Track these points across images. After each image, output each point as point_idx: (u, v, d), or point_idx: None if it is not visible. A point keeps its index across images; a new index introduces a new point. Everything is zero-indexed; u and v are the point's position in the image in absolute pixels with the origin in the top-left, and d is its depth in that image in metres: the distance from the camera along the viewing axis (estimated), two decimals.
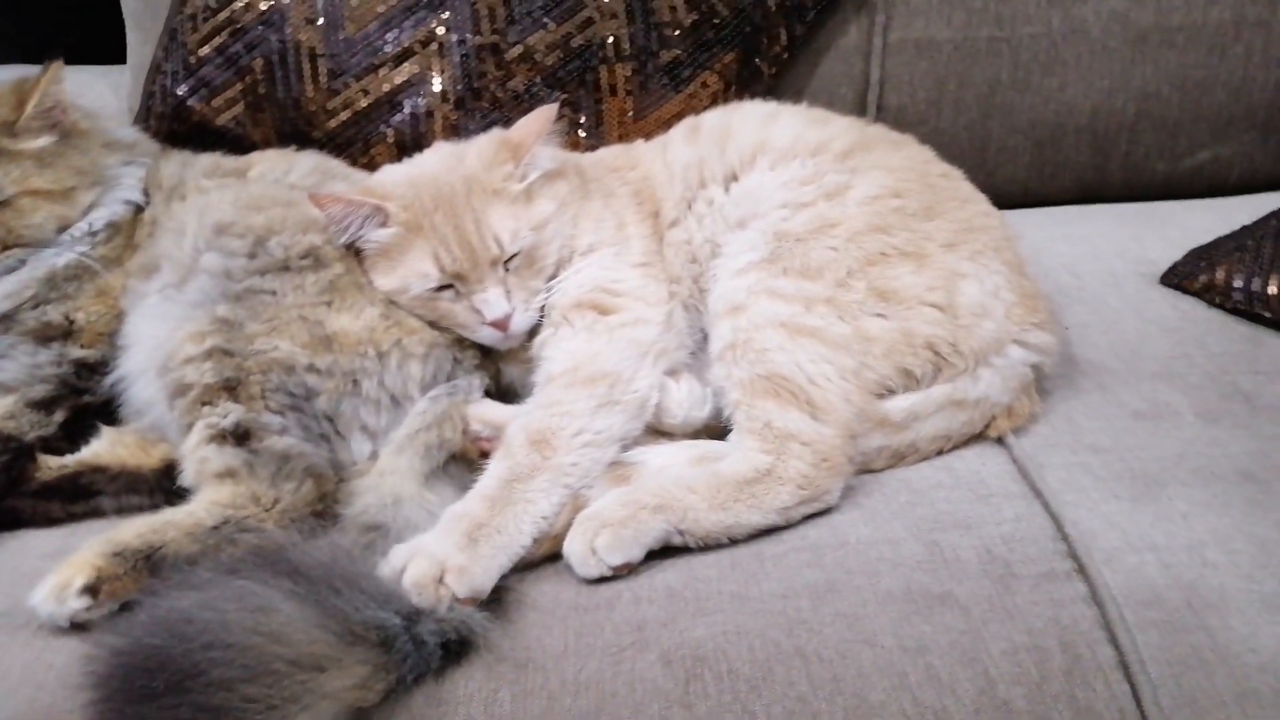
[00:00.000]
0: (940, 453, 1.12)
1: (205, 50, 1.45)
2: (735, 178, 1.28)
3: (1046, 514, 1.01)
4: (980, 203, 1.27)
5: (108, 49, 1.73)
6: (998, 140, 1.63)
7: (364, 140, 1.47)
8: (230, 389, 1.08)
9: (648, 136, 1.44)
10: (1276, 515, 0.98)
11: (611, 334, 1.15)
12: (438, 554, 0.94)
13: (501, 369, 1.26)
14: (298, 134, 1.47)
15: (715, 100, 1.50)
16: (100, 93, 1.67)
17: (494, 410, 1.18)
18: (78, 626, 0.95)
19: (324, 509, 1.06)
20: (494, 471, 1.04)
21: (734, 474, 1.02)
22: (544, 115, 1.22)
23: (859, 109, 1.60)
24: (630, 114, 1.48)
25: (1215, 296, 1.38)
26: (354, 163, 1.45)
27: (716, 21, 1.47)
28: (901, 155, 1.29)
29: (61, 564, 0.96)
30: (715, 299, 1.18)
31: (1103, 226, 1.59)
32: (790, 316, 1.11)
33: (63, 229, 1.25)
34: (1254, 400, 1.17)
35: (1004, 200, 1.64)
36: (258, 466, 1.04)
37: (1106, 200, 1.69)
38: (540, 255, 1.20)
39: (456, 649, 0.89)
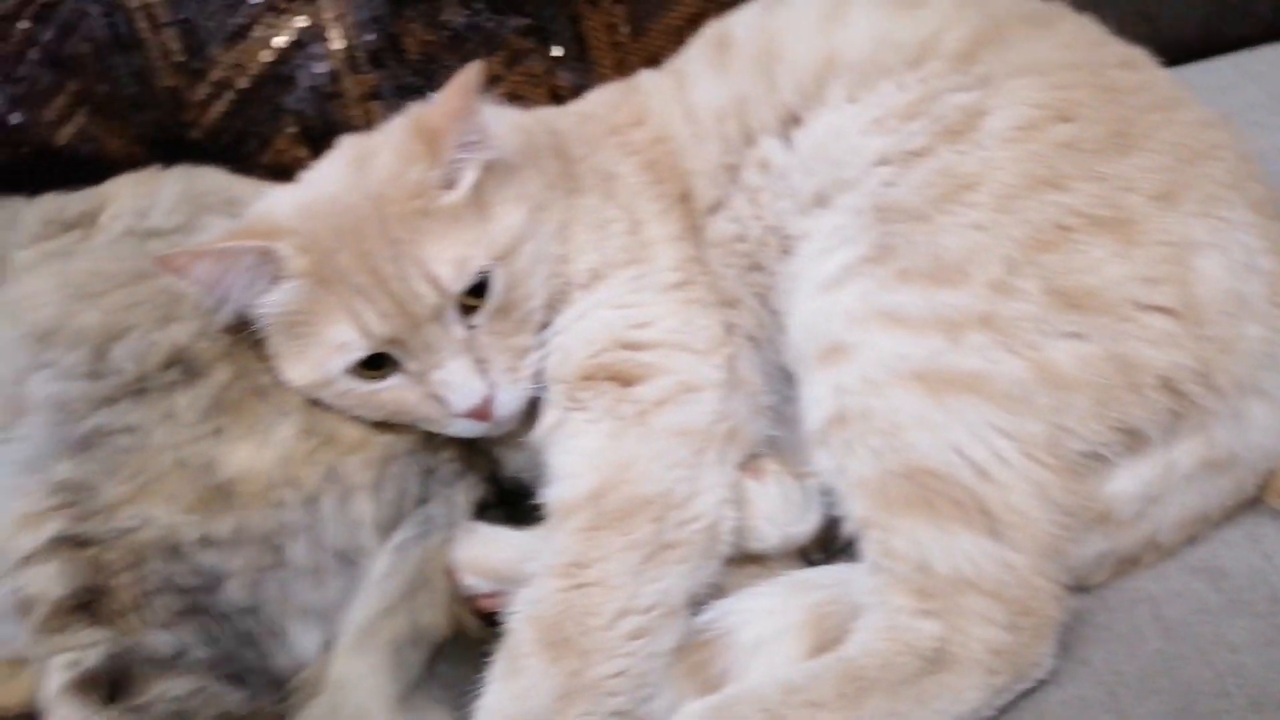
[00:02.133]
0: (1192, 540, 0.71)
1: (10, 45, 1.01)
2: (797, 120, 0.83)
3: None
4: (1192, 104, 0.80)
5: None
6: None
7: (259, 135, 1.04)
8: (89, 605, 0.72)
9: (656, 61, 0.98)
10: None
11: (645, 421, 0.74)
12: None
13: (498, 455, 0.87)
14: (170, 140, 1.04)
15: None
16: None
17: (490, 549, 0.79)
18: None
19: None
20: (495, 703, 0.66)
21: (881, 668, 0.63)
22: (464, 83, 0.77)
23: None
24: (625, 28, 1.02)
25: None
26: (252, 169, 1.02)
27: None
28: (1055, 41, 0.82)
29: None
30: (799, 329, 0.76)
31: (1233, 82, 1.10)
32: (927, 359, 0.69)
33: None
34: None
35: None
36: None
37: (1231, 49, 1.17)
38: (519, 297, 0.78)
39: None
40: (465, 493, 0.83)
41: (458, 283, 0.75)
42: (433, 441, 0.82)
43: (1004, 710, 0.63)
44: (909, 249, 0.73)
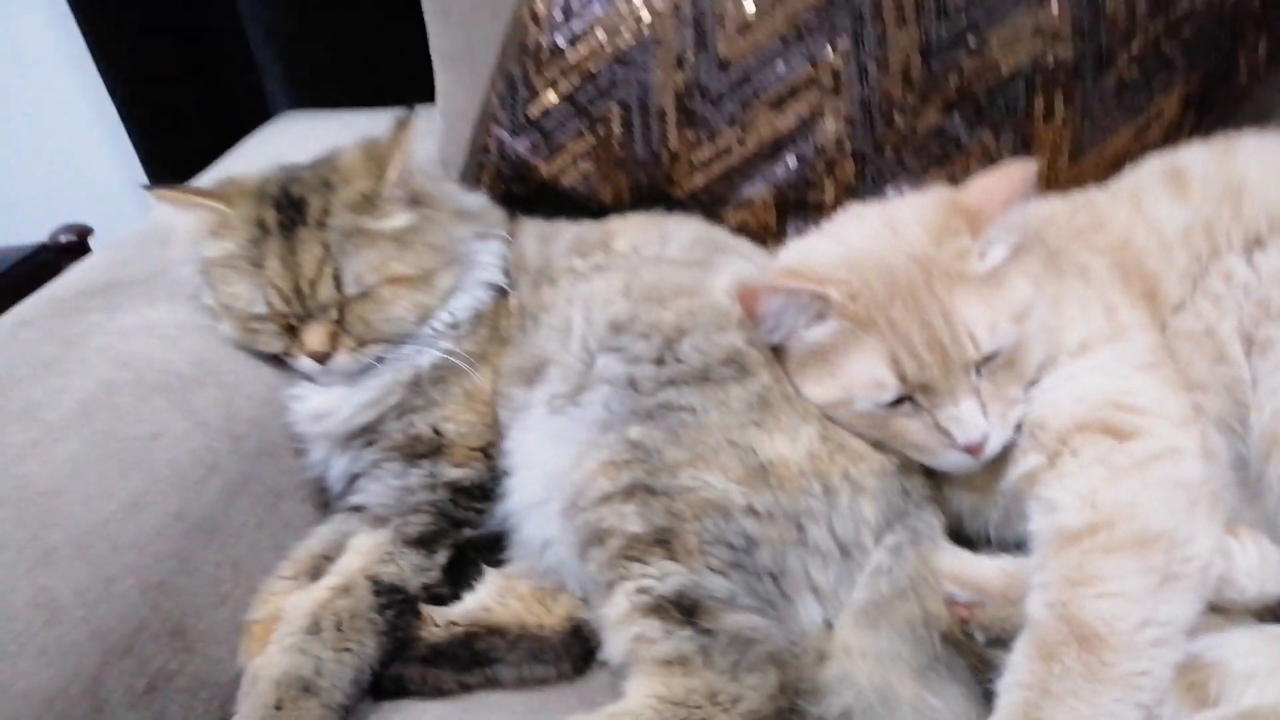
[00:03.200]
0: None
1: (551, 98, 1.25)
2: (1260, 243, 0.96)
3: None
4: None
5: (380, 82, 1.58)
6: None
7: (732, 202, 1.23)
8: (664, 543, 0.87)
9: (1083, 181, 1.14)
10: None
11: (1144, 472, 0.86)
12: None
13: (946, 494, 1.00)
14: (653, 193, 1.25)
15: (1171, 128, 1.19)
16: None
17: (969, 565, 0.92)
18: None
19: (786, 705, 0.83)
20: (1026, 673, 0.78)
21: None
22: (1017, 177, 0.94)
23: None
24: (1067, 150, 1.19)
25: None
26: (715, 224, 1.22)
27: (1184, 34, 1.15)
28: None
29: None
30: (1270, 416, 0.88)
31: None
32: None
33: (422, 320, 1.08)
34: None
35: None
36: (714, 653, 0.82)
37: None
38: (1022, 355, 0.92)
39: None
40: (935, 514, 0.96)
41: (991, 344, 0.90)
42: (908, 467, 0.96)
43: None
44: None
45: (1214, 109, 1.20)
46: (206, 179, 1.32)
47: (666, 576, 0.85)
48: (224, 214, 1.07)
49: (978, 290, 0.92)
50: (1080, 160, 1.19)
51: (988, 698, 0.82)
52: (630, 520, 0.87)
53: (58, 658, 0.78)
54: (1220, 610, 0.85)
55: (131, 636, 0.84)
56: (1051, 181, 1.18)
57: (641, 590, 0.85)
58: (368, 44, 1.69)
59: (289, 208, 1.05)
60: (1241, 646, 0.80)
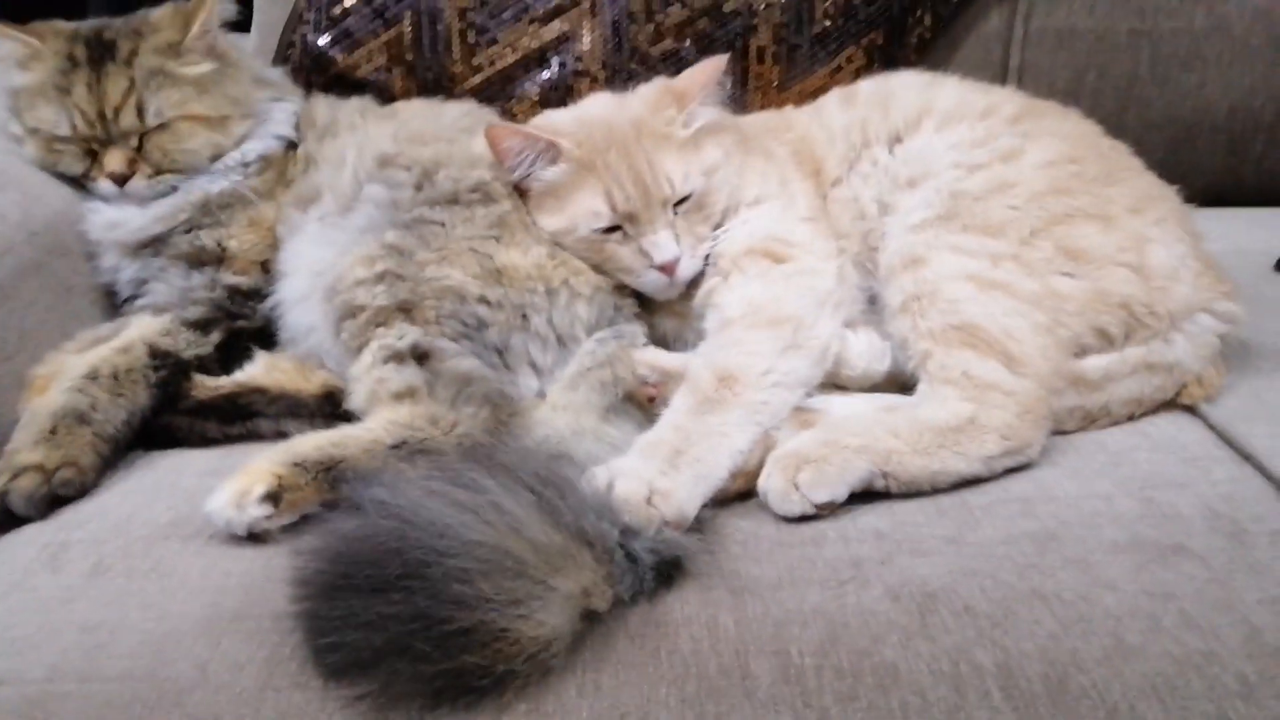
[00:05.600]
0: (1131, 417, 1.08)
1: (351, 2, 1.44)
2: (899, 140, 1.25)
3: (1262, 477, 0.97)
4: (1149, 173, 1.24)
5: None
6: (1133, 135, 1.56)
7: (507, 97, 1.45)
8: (405, 311, 1.05)
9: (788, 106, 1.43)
10: None
11: (788, 280, 1.12)
12: (643, 475, 0.90)
13: (654, 322, 1.22)
14: (440, 88, 1.46)
15: (858, 76, 1.49)
16: None
17: (661, 356, 1.14)
18: (254, 538, 0.90)
19: (497, 440, 1.02)
20: (681, 405, 1.00)
21: (935, 420, 0.98)
22: (712, 66, 1.20)
23: None
24: (775, 83, 1.47)
25: None
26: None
27: None
28: (1071, 123, 1.26)
29: (238, 472, 0.92)
30: (890, 254, 1.15)
31: (1235, 227, 1.56)
32: (977, 270, 1.08)
33: (216, 157, 1.23)
34: None
35: None
36: (438, 387, 1.00)
37: (1238, 204, 1.66)
38: (709, 202, 1.17)
39: (667, 572, 0.84)
40: (640, 328, 1.18)
41: (685, 187, 1.14)
42: (622, 291, 1.18)
43: (1007, 473, 0.98)
44: (968, 215, 1.13)
45: (894, 65, 1.51)
46: None
47: (404, 336, 1.03)
48: (35, 47, 1.19)
49: (678, 149, 1.16)
50: (785, 93, 1.48)
51: None
52: (379, 297, 1.05)
53: None
54: (840, 388, 1.11)
55: None
56: (764, 103, 1.47)
57: (383, 347, 1.03)
58: None
59: (99, 47, 1.19)
60: (844, 402, 1.06)
